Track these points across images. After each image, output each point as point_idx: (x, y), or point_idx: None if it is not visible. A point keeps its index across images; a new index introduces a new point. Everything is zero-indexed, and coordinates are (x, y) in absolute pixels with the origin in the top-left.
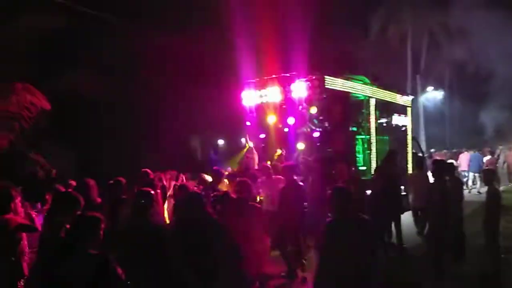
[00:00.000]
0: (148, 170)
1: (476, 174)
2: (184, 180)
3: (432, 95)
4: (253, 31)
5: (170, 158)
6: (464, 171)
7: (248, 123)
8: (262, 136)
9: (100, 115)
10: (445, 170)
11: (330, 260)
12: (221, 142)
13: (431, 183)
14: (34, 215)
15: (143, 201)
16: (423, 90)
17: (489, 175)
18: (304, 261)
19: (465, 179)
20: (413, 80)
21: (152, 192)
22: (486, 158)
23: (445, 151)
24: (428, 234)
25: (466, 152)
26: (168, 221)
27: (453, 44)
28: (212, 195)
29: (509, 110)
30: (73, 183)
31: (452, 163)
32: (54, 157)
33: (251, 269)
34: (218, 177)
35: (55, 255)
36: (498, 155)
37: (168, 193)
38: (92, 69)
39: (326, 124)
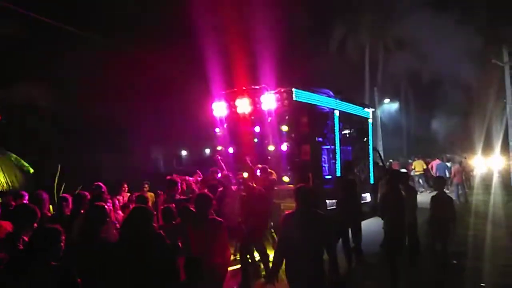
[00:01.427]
0: (101, 183)
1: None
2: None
3: (387, 107)
4: (222, 44)
5: (132, 168)
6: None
7: (218, 134)
8: (231, 146)
9: (59, 126)
10: (399, 179)
11: (289, 246)
12: (184, 152)
13: (385, 192)
14: None
15: (95, 216)
16: (380, 102)
17: (439, 183)
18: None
19: None
20: (371, 93)
21: (106, 206)
22: (448, 164)
23: (396, 161)
24: (383, 241)
25: (437, 160)
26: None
27: (406, 57)
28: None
29: (458, 116)
30: (25, 194)
31: (406, 172)
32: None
33: (213, 283)
34: (173, 186)
35: (15, 268)
36: (465, 164)
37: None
38: (50, 80)
39: (294, 135)
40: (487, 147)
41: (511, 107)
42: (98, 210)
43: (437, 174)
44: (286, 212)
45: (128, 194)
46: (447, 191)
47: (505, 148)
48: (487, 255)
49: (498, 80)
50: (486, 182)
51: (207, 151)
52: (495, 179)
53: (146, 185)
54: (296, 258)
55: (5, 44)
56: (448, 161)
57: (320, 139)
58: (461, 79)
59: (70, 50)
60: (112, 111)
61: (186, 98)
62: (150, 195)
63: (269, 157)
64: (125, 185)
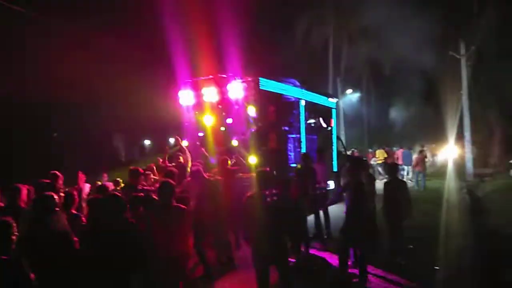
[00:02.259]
0: (57, 172)
1: (409, 167)
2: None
3: (349, 98)
4: (188, 31)
5: (92, 158)
6: (400, 165)
7: (185, 124)
8: (200, 135)
9: (13, 113)
10: (360, 167)
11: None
12: (147, 142)
13: (347, 179)
14: None
15: (44, 206)
16: (343, 92)
17: (392, 169)
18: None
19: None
20: (334, 83)
21: (55, 196)
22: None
23: (357, 150)
24: (343, 227)
25: (402, 149)
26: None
27: (368, 48)
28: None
29: (416, 106)
30: None
31: (366, 160)
32: None
33: (175, 270)
34: (136, 176)
35: None
36: (426, 153)
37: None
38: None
39: (261, 124)
40: (443, 136)
41: (466, 99)
42: (46, 199)
43: (402, 162)
44: (247, 194)
45: (89, 184)
46: (409, 181)
47: (459, 138)
48: (442, 239)
49: (456, 71)
50: (442, 170)
51: (171, 140)
52: (450, 168)
53: (105, 175)
54: (259, 235)
55: None
56: (410, 150)
57: (286, 128)
58: (420, 70)
59: (23, 30)
60: (72, 97)
61: (151, 86)
62: (109, 185)
63: (236, 146)
64: (81, 175)
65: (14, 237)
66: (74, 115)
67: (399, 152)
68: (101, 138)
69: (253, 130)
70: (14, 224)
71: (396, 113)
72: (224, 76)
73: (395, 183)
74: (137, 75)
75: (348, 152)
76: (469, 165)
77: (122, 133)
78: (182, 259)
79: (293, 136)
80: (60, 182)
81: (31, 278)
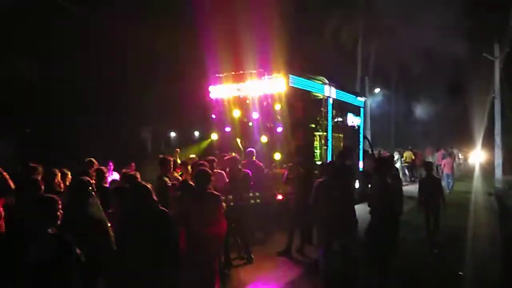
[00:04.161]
0: (93, 159)
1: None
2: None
3: (376, 97)
4: (220, 27)
5: (120, 148)
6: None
7: (213, 116)
8: (227, 129)
9: (48, 102)
10: (386, 167)
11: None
12: (173, 134)
13: (374, 179)
14: None
15: (79, 190)
16: (371, 91)
17: (429, 165)
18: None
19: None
20: (362, 82)
21: (91, 181)
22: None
23: (381, 150)
24: (367, 228)
25: (442, 150)
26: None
27: (397, 47)
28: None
29: (441, 106)
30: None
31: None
32: None
33: (209, 253)
34: (165, 164)
35: (16, 240)
36: (455, 155)
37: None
38: (39, 54)
39: (288, 120)
40: (470, 138)
41: (499, 102)
42: (81, 182)
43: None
44: (318, 180)
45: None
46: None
47: (486, 141)
48: (468, 244)
49: (486, 73)
50: (470, 174)
51: (197, 133)
52: (478, 172)
53: (133, 164)
54: (329, 213)
55: None
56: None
57: (313, 125)
58: (450, 70)
59: (59, 23)
60: (101, 88)
61: (180, 79)
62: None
63: (263, 141)
64: (110, 164)
65: (59, 214)
66: (101, 105)
67: (439, 153)
68: (129, 130)
69: (280, 127)
70: (60, 202)
71: (422, 113)
72: (254, 72)
73: (431, 179)
74: (167, 69)
75: (375, 152)
76: (498, 170)
77: (149, 125)
78: (216, 241)
79: (320, 133)
80: (94, 168)
81: (78, 253)
